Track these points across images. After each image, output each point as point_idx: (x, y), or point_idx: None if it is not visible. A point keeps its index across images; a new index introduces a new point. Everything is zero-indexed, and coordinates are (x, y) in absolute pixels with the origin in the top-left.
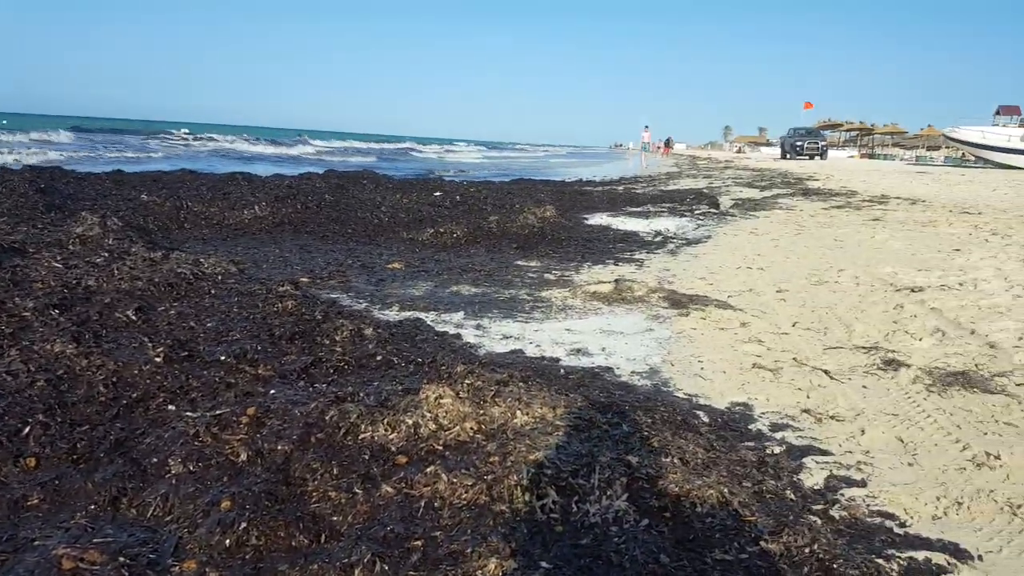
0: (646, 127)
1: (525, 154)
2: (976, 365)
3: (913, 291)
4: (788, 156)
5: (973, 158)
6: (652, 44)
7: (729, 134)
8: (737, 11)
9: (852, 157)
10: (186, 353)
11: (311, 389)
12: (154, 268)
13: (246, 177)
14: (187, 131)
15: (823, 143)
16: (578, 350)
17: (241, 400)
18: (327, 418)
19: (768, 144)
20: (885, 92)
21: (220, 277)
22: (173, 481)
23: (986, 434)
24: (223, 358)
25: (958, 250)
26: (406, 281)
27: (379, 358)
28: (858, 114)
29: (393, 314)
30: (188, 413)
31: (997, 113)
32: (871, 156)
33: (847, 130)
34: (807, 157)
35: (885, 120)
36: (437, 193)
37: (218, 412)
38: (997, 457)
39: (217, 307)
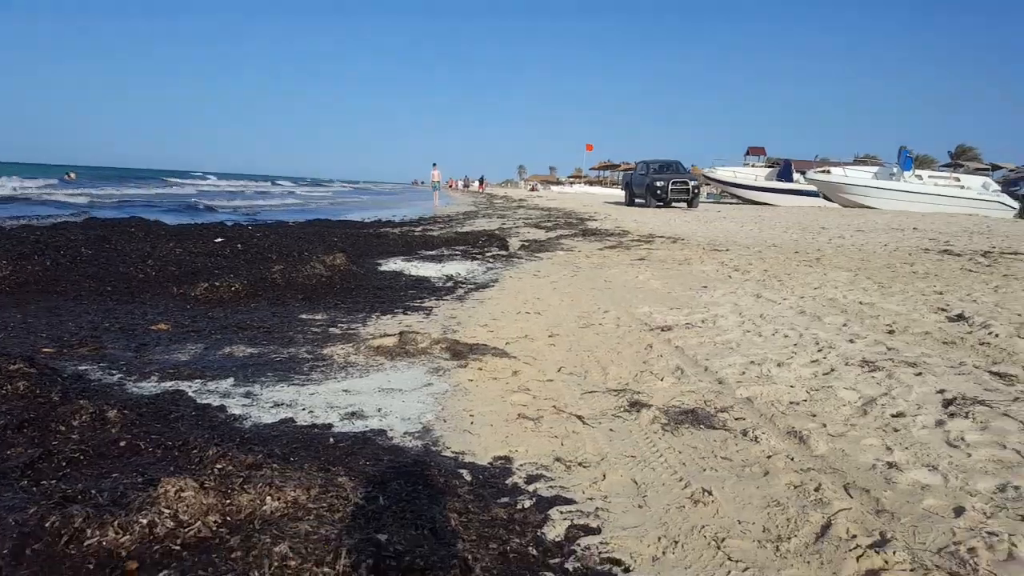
0: (434, 165)
1: (333, 192)
2: (705, 402)
3: (663, 330)
4: (644, 202)
5: (730, 195)
6: (454, 87)
7: (523, 173)
8: (529, 61)
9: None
10: None
11: (35, 489)
12: None
13: None
14: None
15: (694, 183)
16: (353, 413)
17: None
18: (47, 525)
19: (558, 183)
20: (657, 134)
21: None
22: None
23: (705, 470)
24: None
25: (705, 287)
26: (171, 344)
27: (123, 444)
28: (633, 155)
29: (150, 386)
30: None
31: (747, 154)
32: None
33: (623, 170)
34: (663, 205)
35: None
36: (218, 240)
37: None
38: (710, 493)
39: None
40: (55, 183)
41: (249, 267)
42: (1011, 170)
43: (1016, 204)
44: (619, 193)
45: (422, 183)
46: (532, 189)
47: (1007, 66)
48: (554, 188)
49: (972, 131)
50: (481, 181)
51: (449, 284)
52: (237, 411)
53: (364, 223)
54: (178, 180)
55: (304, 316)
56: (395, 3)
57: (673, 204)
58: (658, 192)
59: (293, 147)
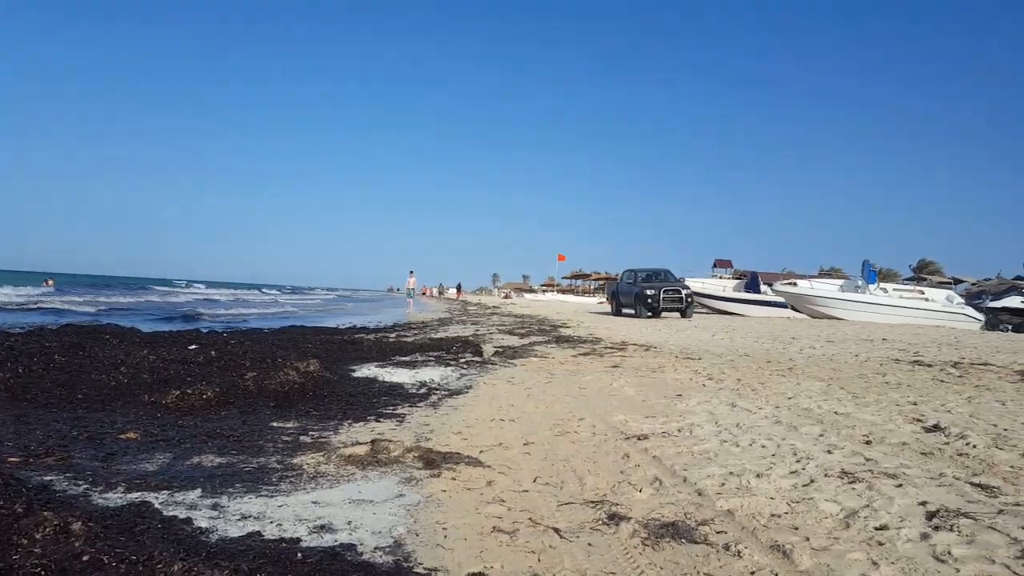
0: (411, 273)
1: (315, 299)
2: (685, 514)
3: (639, 439)
4: (633, 312)
5: (699, 305)
6: (426, 196)
7: (497, 280)
8: (501, 175)
9: (602, 303)
10: None
11: None
12: None
13: None
14: None
15: (687, 292)
16: (322, 526)
17: None
18: None
19: (531, 291)
20: (628, 245)
21: None
22: None
23: None
24: None
25: (680, 395)
26: (140, 454)
27: (86, 558)
28: (604, 264)
29: (117, 497)
30: None
31: (714, 266)
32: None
33: (595, 279)
34: (654, 315)
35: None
36: (192, 347)
37: None
38: None
39: None
40: (33, 292)
41: (222, 374)
42: (972, 283)
43: (981, 316)
44: (589, 301)
45: (397, 290)
46: (506, 296)
47: (964, 181)
48: (527, 296)
49: (933, 246)
50: (459, 289)
51: (423, 391)
52: (204, 523)
53: (339, 329)
54: (167, 288)
55: (275, 424)
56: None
57: (663, 314)
58: (649, 301)
59: (278, 255)
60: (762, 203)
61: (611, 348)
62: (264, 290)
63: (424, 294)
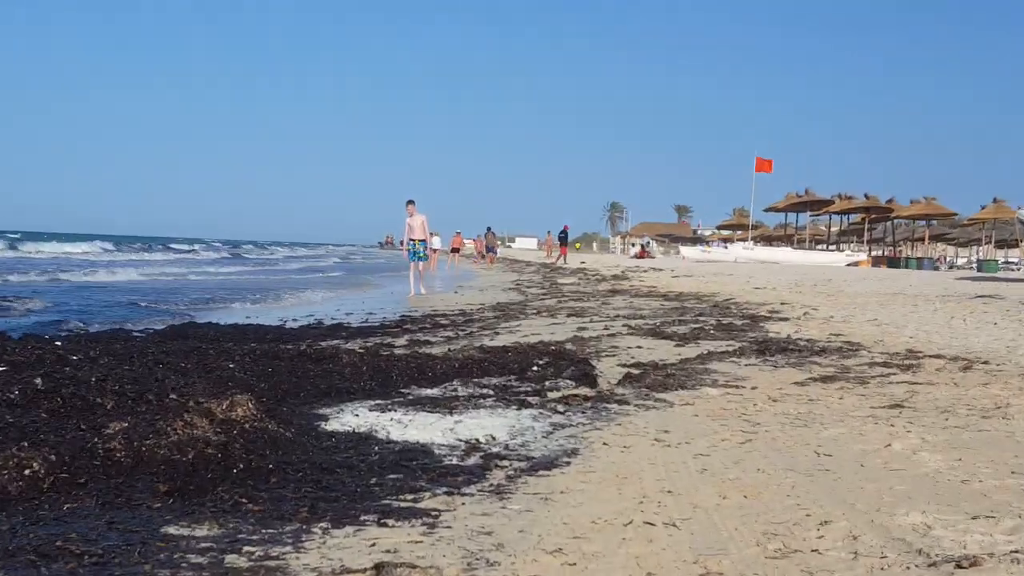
0: (411, 203)
1: (264, 260)
2: None
3: (961, 567)
4: None
5: None
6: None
7: (619, 219)
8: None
9: (853, 264)
10: None
11: None
12: None
13: None
14: None
15: None
16: None
17: None
18: None
19: (696, 239)
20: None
21: None
22: None
23: None
24: None
25: None
26: None
27: None
28: (846, 184)
29: None
30: None
31: None
32: (893, 262)
33: (841, 211)
34: None
35: (903, 194)
36: (1, 368)
37: None
38: None
39: None
40: None
41: (60, 425)
42: None
43: None
44: (832, 260)
45: (401, 243)
46: (641, 254)
47: None
48: (686, 251)
49: None
50: (564, 240)
51: (473, 460)
52: None
53: (286, 328)
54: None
55: (172, 531)
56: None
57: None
58: None
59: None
60: None
61: (884, 365)
62: (197, 249)
63: (455, 251)
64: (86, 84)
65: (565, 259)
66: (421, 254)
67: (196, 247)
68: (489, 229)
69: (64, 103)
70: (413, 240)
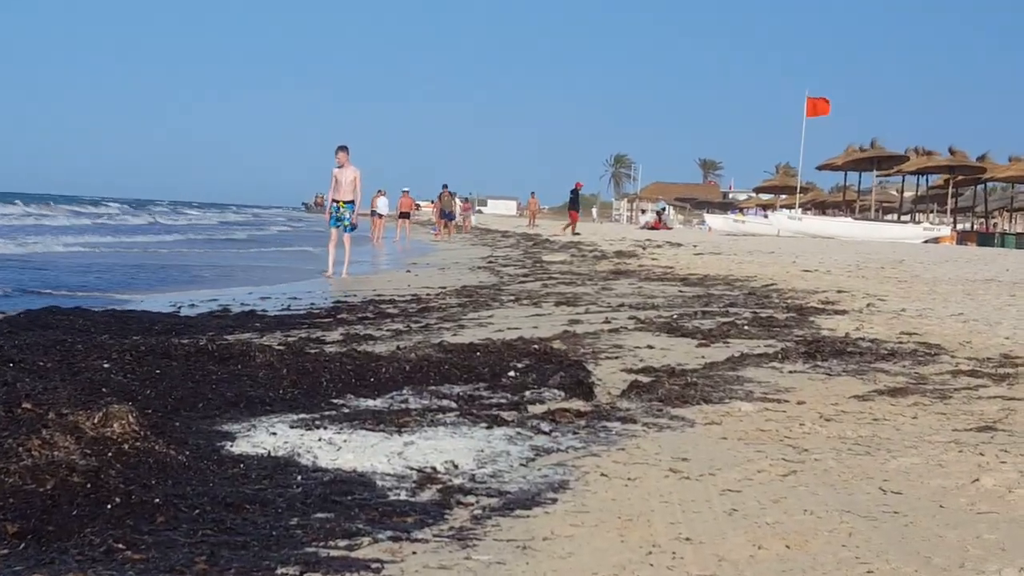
0: (341, 150)
1: (191, 227)
2: None
3: None
4: None
5: None
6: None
7: (625, 178)
8: None
9: (933, 240)
10: None
11: None
12: None
13: None
14: None
15: None
16: None
17: None
18: None
19: (725, 204)
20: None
21: None
22: None
23: None
24: None
25: None
26: None
27: None
28: (924, 136)
29: None
30: None
31: None
32: (985, 238)
33: (918, 171)
34: None
35: (1001, 149)
36: None
37: None
38: None
39: None
40: None
41: None
42: None
43: None
44: (902, 235)
45: (324, 202)
46: (655, 224)
47: None
48: (712, 220)
49: None
50: (574, 203)
51: (428, 495)
52: None
53: (188, 318)
54: None
55: None
56: None
57: None
58: None
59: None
60: None
61: (970, 373)
62: (58, 205)
63: (410, 212)
64: None
65: (575, 229)
66: (347, 222)
67: (112, 207)
68: (445, 187)
69: None
70: (337, 202)
